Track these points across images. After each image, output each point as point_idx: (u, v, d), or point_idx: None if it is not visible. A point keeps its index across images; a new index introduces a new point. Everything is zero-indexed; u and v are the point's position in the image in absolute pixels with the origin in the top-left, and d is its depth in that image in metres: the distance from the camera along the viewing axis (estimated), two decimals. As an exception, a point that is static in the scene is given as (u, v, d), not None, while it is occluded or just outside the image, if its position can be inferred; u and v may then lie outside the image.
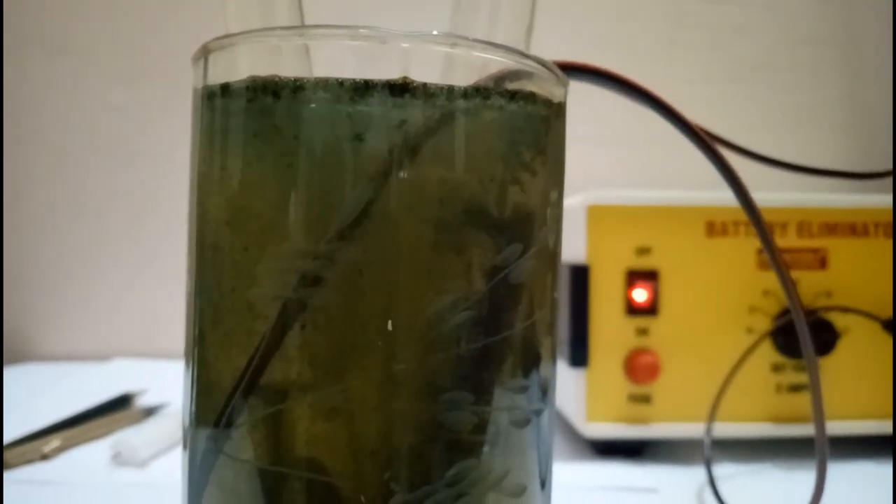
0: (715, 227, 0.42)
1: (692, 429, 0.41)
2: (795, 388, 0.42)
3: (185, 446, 0.18)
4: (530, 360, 0.16)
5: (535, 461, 0.16)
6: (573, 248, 0.42)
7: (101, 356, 0.64)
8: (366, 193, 0.14)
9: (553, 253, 0.16)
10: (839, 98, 0.67)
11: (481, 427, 0.15)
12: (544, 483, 0.16)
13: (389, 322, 0.14)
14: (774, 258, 0.24)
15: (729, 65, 0.67)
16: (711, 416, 0.39)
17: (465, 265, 0.15)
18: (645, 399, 0.41)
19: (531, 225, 0.16)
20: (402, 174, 0.14)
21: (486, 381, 0.15)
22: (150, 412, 0.48)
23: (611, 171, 0.64)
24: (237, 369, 0.15)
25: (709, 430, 0.39)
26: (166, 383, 0.54)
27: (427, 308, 0.14)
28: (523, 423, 0.15)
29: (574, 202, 0.43)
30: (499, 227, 0.15)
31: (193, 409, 0.17)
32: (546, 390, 0.16)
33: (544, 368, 0.16)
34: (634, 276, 0.41)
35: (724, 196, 0.43)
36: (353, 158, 0.14)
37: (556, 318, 0.16)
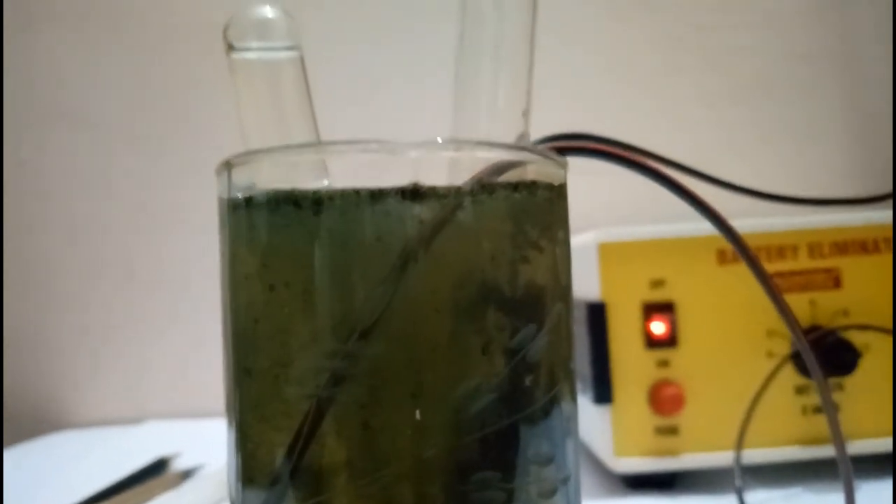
0: (727, 256, 0.43)
1: (721, 457, 0.41)
2: (821, 410, 0.42)
3: None
4: (554, 432, 0.16)
5: (565, 527, 0.17)
6: (588, 285, 0.43)
7: (134, 419, 0.66)
8: (387, 292, 0.15)
9: (567, 326, 0.17)
10: (841, 113, 0.67)
11: (511, 501, 0.15)
12: (575, 547, 0.17)
13: (419, 410, 0.15)
14: (766, 283, 0.24)
15: (728, 85, 0.68)
16: (739, 444, 0.40)
17: (484, 349, 0.15)
18: (672, 431, 0.42)
19: (544, 300, 0.17)
20: (417, 270, 0.15)
21: (513, 457, 0.15)
22: (186, 475, 0.48)
23: (617, 202, 0.65)
24: (276, 460, 0.16)
25: (738, 458, 0.39)
26: (199, 443, 0.55)
27: (451, 394, 0.15)
28: (551, 492, 0.16)
29: (585, 240, 0.43)
30: (513, 307, 0.16)
31: (240, 495, 0.18)
32: (571, 457, 0.17)
33: (568, 437, 0.17)
34: (651, 310, 0.42)
35: (734, 224, 0.43)
36: (372, 261, 0.15)
37: (575, 388, 0.17)
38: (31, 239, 0.69)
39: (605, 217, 0.62)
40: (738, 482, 0.38)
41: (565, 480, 0.17)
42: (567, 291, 0.18)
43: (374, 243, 0.15)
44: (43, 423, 0.66)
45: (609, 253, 0.42)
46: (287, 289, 0.15)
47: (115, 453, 0.56)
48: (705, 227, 0.43)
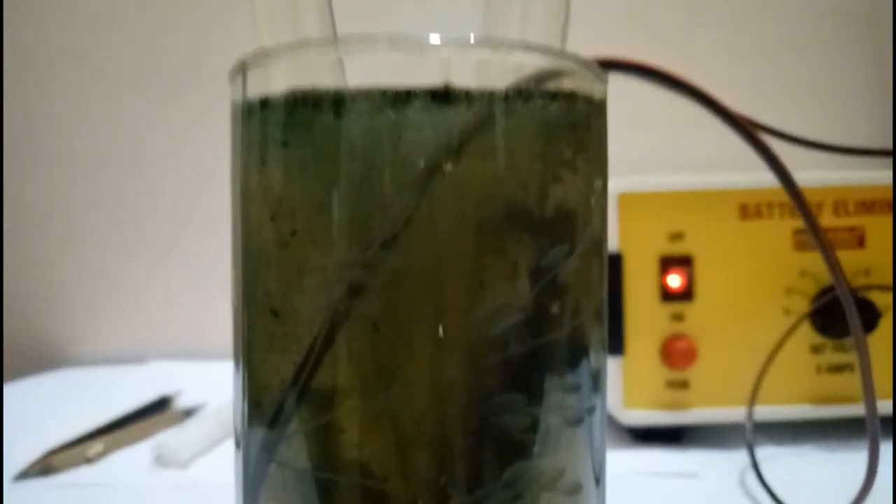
0: (749, 210, 0.42)
1: (731, 413, 0.41)
2: (836, 369, 0.42)
3: (237, 445, 0.18)
4: (581, 360, 0.15)
5: (588, 458, 0.16)
6: (604, 235, 0.42)
7: (137, 359, 0.65)
8: (410, 201, 0.14)
9: (599, 251, 0.16)
10: (865, 70, 0.65)
11: (534, 428, 0.14)
12: (598, 479, 0.16)
13: (440, 327, 0.14)
14: (821, 242, 0.23)
15: (753, 41, 0.66)
16: (752, 399, 0.39)
17: (511, 268, 0.14)
18: (682, 385, 0.41)
19: (575, 224, 0.16)
20: (443, 180, 0.14)
21: (538, 382, 0.15)
22: (188, 413, 0.48)
23: (641, 155, 0.63)
24: (286, 378, 0.15)
25: (750, 414, 0.38)
26: (203, 384, 0.55)
27: (474, 313, 0.14)
28: (576, 421, 0.15)
29: (603, 189, 0.42)
30: (543, 228, 0.15)
31: (245, 416, 0.17)
32: (597, 388, 0.16)
33: (595, 366, 0.16)
34: (668, 263, 0.41)
35: (757, 178, 0.42)
36: (395, 167, 0.14)
37: (605, 316, 0.16)
38: (34, 176, 0.68)
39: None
40: (749, 437, 0.37)
41: (591, 411, 0.16)
42: (602, 218, 0.16)
43: (400, 148, 0.14)
44: (42, 361, 0.66)
45: (628, 203, 0.41)
46: (304, 196, 0.14)
47: (116, 392, 0.56)
48: (728, 181, 0.42)
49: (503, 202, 0.14)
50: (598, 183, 0.16)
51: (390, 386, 0.14)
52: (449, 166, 0.14)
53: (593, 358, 0.16)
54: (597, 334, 0.16)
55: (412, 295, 0.14)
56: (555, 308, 0.15)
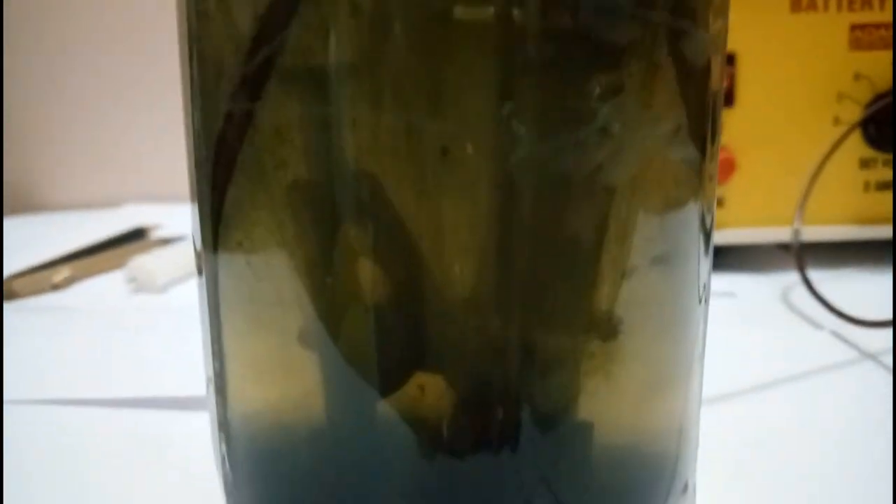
0: (801, 1, 0.36)
1: (769, 233, 0.37)
2: (885, 186, 0.37)
3: (199, 271, 0.13)
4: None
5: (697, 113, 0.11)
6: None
7: (112, 203, 0.60)
8: None
9: None
10: None
11: (641, 43, 0.10)
12: (715, 137, 0.12)
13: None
14: None
15: None
16: (802, 207, 0.34)
17: None
18: (717, 202, 0.37)
19: None
20: None
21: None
22: (165, 242, 0.44)
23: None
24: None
25: (798, 231, 0.34)
26: (182, 220, 0.50)
27: None
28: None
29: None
30: None
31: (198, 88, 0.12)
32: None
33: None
34: (707, 61, 0.36)
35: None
36: None
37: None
38: (7, 15, 0.61)
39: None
40: (796, 249, 0.33)
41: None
42: None
43: None
44: (16, 204, 0.61)
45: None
46: None
47: (89, 231, 0.51)
48: (780, -36, 0.36)
49: None
50: None
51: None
52: None
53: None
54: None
55: None
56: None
